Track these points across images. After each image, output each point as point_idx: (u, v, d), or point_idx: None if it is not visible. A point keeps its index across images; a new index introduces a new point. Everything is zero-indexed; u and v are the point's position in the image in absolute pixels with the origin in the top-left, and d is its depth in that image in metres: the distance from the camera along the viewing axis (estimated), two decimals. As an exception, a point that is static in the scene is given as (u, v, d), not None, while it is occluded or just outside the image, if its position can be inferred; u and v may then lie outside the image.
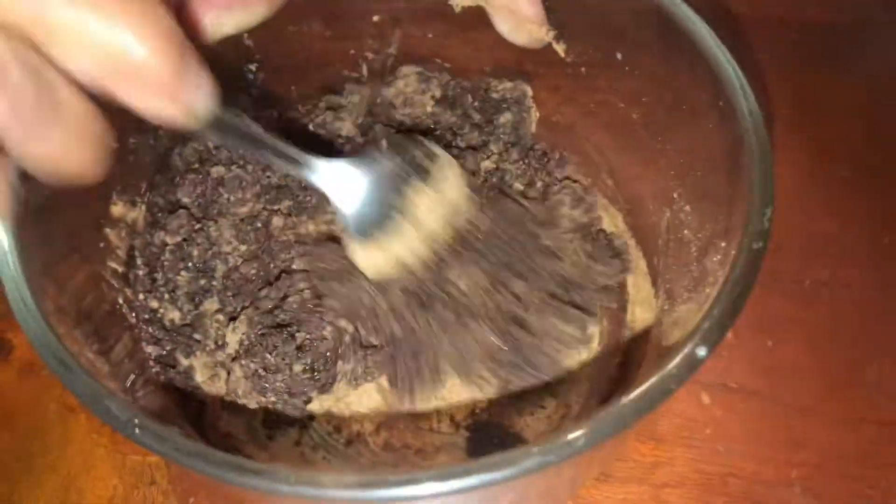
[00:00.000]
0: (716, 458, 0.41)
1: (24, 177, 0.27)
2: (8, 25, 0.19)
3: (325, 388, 0.38)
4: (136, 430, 0.25)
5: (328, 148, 0.46)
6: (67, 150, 0.22)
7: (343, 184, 0.36)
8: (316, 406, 0.39)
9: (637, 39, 0.38)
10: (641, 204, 0.42)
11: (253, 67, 0.44)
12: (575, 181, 0.46)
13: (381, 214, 0.37)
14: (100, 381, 0.26)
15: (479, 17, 0.41)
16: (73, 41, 0.19)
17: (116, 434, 0.39)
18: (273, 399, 0.38)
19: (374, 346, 0.39)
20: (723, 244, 0.32)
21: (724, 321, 0.27)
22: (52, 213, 0.31)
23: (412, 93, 0.47)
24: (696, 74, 0.34)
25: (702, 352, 0.27)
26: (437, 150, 0.39)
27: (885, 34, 0.59)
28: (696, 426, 0.42)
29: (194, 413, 0.38)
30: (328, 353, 0.38)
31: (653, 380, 0.26)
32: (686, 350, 0.27)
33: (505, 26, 0.40)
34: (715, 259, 0.32)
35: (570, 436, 0.25)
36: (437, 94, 0.47)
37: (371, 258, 0.37)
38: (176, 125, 0.23)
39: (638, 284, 0.42)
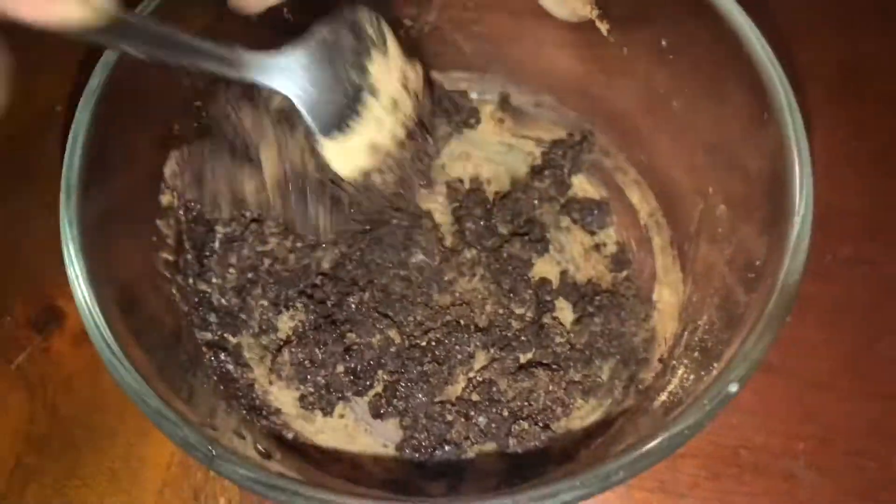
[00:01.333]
0: (729, 431, 0.44)
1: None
2: None
3: (360, 392, 0.40)
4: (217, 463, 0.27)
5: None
6: None
7: (291, 76, 0.31)
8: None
9: (685, 31, 0.38)
10: (675, 187, 0.43)
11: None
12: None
13: (344, 98, 0.33)
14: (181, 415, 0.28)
15: None
16: None
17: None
18: (311, 390, 0.40)
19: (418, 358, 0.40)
20: (757, 262, 0.33)
21: (755, 360, 0.29)
22: (111, 217, 0.33)
23: None
24: (744, 82, 0.34)
25: (734, 388, 0.29)
26: (372, 14, 0.35)
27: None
28: (713, 399, 0.45)
29: (246, 388, 0.41)
30: (371, 361, 0.40)
31: (691, 420, 0.29)
32: (718, 387, 0.29)
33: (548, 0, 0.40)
34: (749, 275, 0.33)
35: (611, 473, 0.27)
36: None
37: (347, 155, 0.34)
38: (75, 30, 0.20)
39: (666, 266, 0.44)
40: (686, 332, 0.39)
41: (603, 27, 0.41)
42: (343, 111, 0.33)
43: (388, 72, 0.35)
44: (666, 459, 0.42)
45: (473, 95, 0.49)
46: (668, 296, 0.43)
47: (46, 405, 0.43)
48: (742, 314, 0.32)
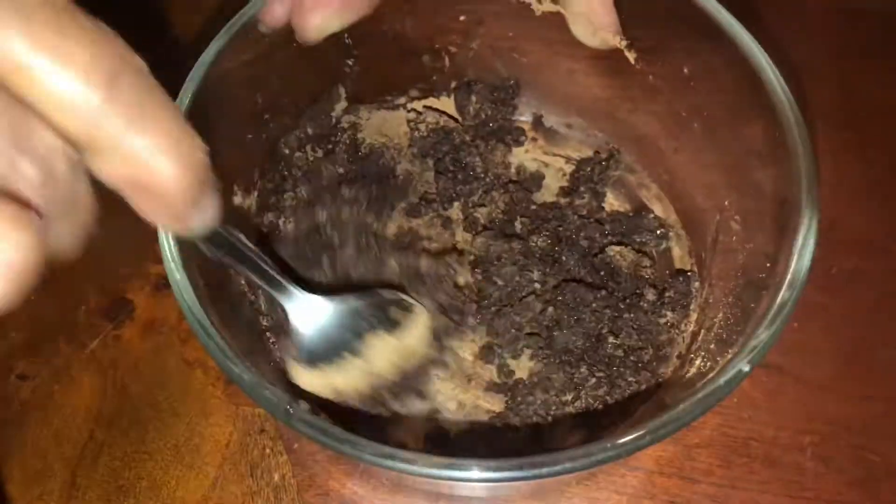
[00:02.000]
0: (740, 423, 0.47)
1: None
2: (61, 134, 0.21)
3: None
4: (291, 418, 0.31)
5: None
6: (68, 239, 0.25)
7: (309, 315, 0.40)
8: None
9: (705, 62, 0.42)
10: (693, 201, 0.47)
11: (350, 62, 0.48)
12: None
13: (333, 352, 0.41)
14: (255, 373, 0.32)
15: (557, 20, 0.45)
16: (115, 157, 0.22)
17: (230, 386, 0.46)
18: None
19: None
20: (768, 265, 0.37)
21: (766, 345, 0.33)
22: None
23: None
24: (758, 108, 0.38)
25: (746, 368, 0.33)
26: (416, 305, 0.44)
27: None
28: (726, 395, 0.49)
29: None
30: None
31: (706, 391, 0.32)
32: (734, 369, 0.32)
33: (580, 31, 0.45)
34: (760, 276, 0.37)
35: (637, 438, 0.31)
36: None
37: (309, 381, 0.41)
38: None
39: None
40: (703, 330, 0.43)
41: (630, 56, 0.46)
42: (323, 356, 0.41)
43: (384, 349, 0.42)
44: (683, 449, 0.46)
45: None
46: (686, 300, 0.47)
47: (116, 386, 0.47)
48: (754, 308, 0.36)
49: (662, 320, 0.45)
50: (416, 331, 0.43)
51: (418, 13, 0.47)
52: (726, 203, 0.43)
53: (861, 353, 0.50)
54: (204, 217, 0.25)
